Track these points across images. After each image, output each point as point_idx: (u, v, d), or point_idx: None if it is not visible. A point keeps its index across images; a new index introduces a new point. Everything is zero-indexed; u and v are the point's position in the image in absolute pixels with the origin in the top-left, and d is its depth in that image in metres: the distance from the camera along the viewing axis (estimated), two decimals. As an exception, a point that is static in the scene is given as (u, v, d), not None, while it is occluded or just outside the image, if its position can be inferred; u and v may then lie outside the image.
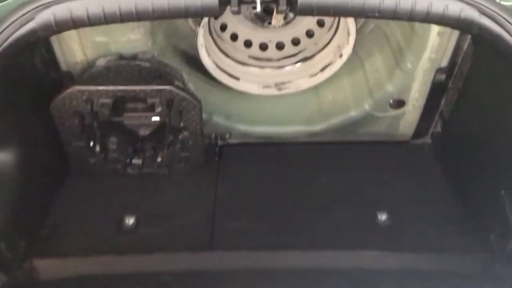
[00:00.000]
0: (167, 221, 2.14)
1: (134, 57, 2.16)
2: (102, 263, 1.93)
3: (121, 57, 2.16)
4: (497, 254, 1.82)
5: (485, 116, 2.09)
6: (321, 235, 2.06)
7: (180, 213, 2.19)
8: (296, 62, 2.45)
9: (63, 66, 2.18)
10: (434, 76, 2.26)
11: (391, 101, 2.42)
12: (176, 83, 2.10)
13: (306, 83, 2.44)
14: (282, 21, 2.27)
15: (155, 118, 2.18)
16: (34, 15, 1.51)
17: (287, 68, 2.46)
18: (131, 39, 2.12)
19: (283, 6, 1.57)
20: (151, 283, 1.78)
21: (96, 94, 2.04)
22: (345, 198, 2.28)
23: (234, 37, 2.41)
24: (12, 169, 1.92)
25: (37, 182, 2.10)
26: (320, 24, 2.39)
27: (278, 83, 2.45)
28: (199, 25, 2.15)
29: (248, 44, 2.43)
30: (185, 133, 2.23)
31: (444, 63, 2.21)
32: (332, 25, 2.37)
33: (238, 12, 1.59)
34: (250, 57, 2.45)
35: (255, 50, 2.44)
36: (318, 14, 1.72)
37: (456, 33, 2.08)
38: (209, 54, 2.31)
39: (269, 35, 2.42)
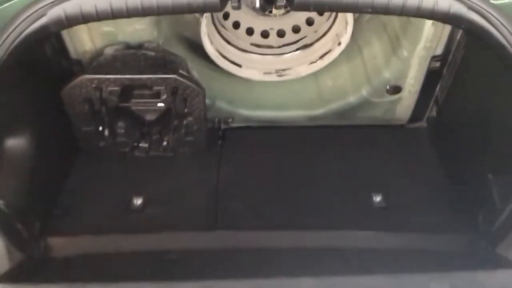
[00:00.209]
0: (172, 202, 2.25)
1: (140, 46, 2.25)
2: (111, 241, 2.03)
3: (128, 46, 2.25)
4: (484, 234, 1.92)
5: (476, 102, 2.19)
6: (318, 215, 2.16)
7: (184, 194, 2.29)
8: (296, 50, 2.53)
9: (73, 54, 2.27)
10: (429, 64, 2.33)
11: (387, 87, 2.50)
12: (181, 71, 2.20)
13: (305, 70, 2.53)
14: (282, 11, 2.34)
15: (161, 105, 2.28)
16: (46, 11, 1.61)
17: (288, 55, 2.54)
18: (137, 29, 2.20)
19: (281, 2, 1.66)
20: (157, 261, 1.88)
21: (104, 82, 2.14)
22: (343, 180, 2.37)
23: (236, 25, 2.49)
24: (26, 152, 2.04)
25: (50, 164, 2.22)
26: (320, 12, 2.46)
27: (279, 69, 2.54)
28: (202, 14, 2.23)
29: (250, 32, 2.51)
30: (190, 119, 2.33)
31: (439, 51, 2.28)
32: (331, 14, 2.44)
33: (238, 8, 1.68)
34: (252, 44, 2.52)
35: (256, 37, 2.52)
36: (314, 10, 1.82)
37: (449, 24, 2.16)
38: (212, 42, 2.39)
39: (270, 23, 2.50)
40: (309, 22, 2.49)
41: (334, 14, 2.43)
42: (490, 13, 1.62)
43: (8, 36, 1.60)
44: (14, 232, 1.79)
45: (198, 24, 2.29)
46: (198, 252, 1.94)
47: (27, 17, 1.61)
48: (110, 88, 2.17)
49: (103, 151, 2.40)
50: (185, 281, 1.60)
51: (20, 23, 1.61)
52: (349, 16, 2.30)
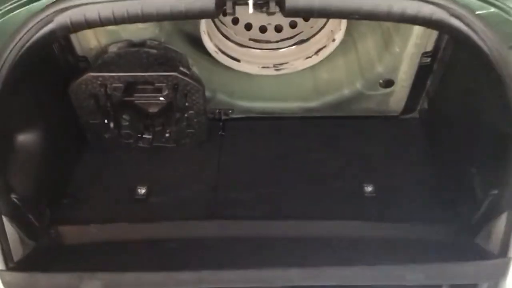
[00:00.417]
0: (174, 191, 2.37)
1: (143, 43, 2.35)
2: (117, 230, 2.16)
3: (131, 43, 2.35)
4: (465, 225, 2.03)
5: (463, 97, 2.28)
6: (311, 205, 2.28)
7: (186, 183, 2.42)
8: (293, 45, 2.62)
9: (79, 51, 2.39)
10: (420, 59, 2.42)
11: (381, 81, 2.60)
12: (181, 68, 2.30)
13: (301, 64, 2.63)
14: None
15: (163, 99, 2.40)
16: (53, 17, 1.72)
17: (285, 50, 2.63)
18: (140, 27, 2.30)
19: (273, 9, 1.76)
20: (159, 249, 2.01)
21: (109, 79, 2.26)
22: (337, 170, 2.48)
23: (235, 21, 2.59)
24: (36, 146, 2.16)
25: (58, 155, 2.35)
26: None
27: (276, 64, 2.64)
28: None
29: (248, 27, 2.60)
30: (190, 112, 2.44)
31: (429, 48, 2.37)
32: (326, 12, 2.54)
33: (233, 14, 1.79)
34: (250, 39, 2.62)
35: (255, 32, 2.61)
36: (304, 16, 1.92)
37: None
38: (211, 39, 2.49)
39: (268, 19, 2.58)
40: (306, 17, 2.58)
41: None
42: (471, 19, 1.71)
43: (18, 41, 1.71)
44: (26, 222, 1.91)
45: (198, 21, 2.39)
46: (197, 240, 2.06)
47: (36, 23, 1.71)
48: (114, 85, 2.29)
49: (109, 142, 2.52)
50: (180, 271, 1.73)
51: (29, 29, 1.71)
52: (343, 14, 2.39)
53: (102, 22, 1.76)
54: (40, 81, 2.20)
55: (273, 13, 1.76)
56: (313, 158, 2.56)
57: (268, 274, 1.72)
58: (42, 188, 2.14)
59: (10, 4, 1.78)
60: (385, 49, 2.50)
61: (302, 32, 2.60)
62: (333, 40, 2.51)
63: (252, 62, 2.63)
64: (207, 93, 2.54)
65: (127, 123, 2.44)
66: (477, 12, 1.74)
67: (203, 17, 2.11)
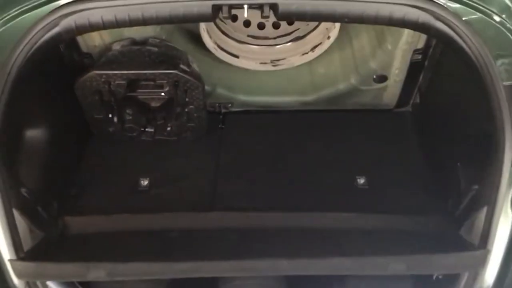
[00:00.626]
0: (175, 183, 2.47)
1: (144, 41, 2.46)
2: (120, 220, 2.26)
3: (133, 41, 2.46)
4: (451, 217, 2.14)
5: (451, 94, 2.38)
6: (306, 197, 2.36)
7: (187, 175, 2.52)
8: (290, 41, 2.71)
9: (84, 48, 2.49)
10: (412, 56, 2.51)
11: (374, 76, 2.70)
12: (181, 66, 2.40)
13: (298, 60, 2.72)
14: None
15: (164, 94, 2.50)
16: (58, 21, 1.82)
17: (282, 46, 2.72)
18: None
19: (266, 13, 1.85)
20: (160, 239, 2.12)
21: (112, 77, 2.37)
22: (331, 162, 2.57)
23: (234, 18, 2.67)
24: (44, 141, 2.27)
25: (65, 149, 2.46)
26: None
27: (274, 59, 2.73)
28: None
29: (247, 24, 2.69)
30: (190, 107, 2.54)
31: (420, 45, 2.46)
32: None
33: (229, 18, 1.88)
34: (249, 36, 2.71)
35: (253, 29, 2.70)
36: (297, 19, 2.01)
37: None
38: (210, 37, 2.58)
39: (266, 16, 2.68)
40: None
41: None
42: (455, 23, 1.79)
43: (27, 43, 1.81)
44: (35, 214, 2.03)
45: (198, 19, 2.48)
46: (197, 231, 2.17)
47: (43, 27, 1.81)
48: (117, 82, 2.39)
49: (112, 136, 2.63)
50: (178, 261, 1.85)
51: (37, 32, 1.82)
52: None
53: (105, 26, 1.86)
54: (47, 77, 2.30)
55: (267, 17, 1.85)
56: (309, 150, 2.66)
57: (260, 264, 1.84)
58: (49, 181, 2.24)
59: (18, 9, 1.85)
60: (378, 46, 2.59)
61: (298, 29, 2.68)
62: (328, 37, 2.60)
63: (251, 58, 2.72)
64: (207, 88, 2.64)
65: (130, 118, 2.55)
66: (464, 18, 1.82)
67: (200, 21, 2.21)
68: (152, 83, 2.46)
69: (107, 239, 2.16)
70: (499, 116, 1.76)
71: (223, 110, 2.86)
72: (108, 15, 1.83)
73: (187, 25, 2.62)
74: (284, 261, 1.82)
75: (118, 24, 1.86)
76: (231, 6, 1.83)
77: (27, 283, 1.90)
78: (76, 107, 2.52)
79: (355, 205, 2.32)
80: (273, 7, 1.81)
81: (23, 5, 1.87)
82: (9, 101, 1.81)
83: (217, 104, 2.84)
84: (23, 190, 1.97)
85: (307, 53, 2.69)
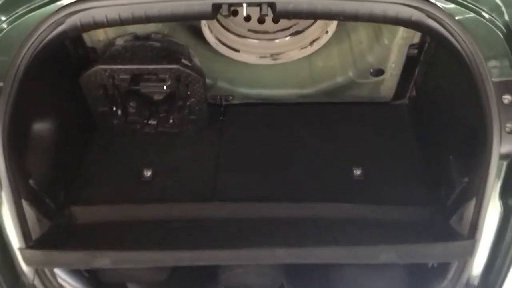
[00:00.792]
0: (177, 174, 2.54)
1: (147, 36, 2.53)
2: (124, 210, 2.34)
3: (136, 36, 2.53)
4: (442, 208, 2.21)
5: (445, 89, 2.44)
6: (304, 188, 2.43)
7: (189, 167, 2.59)
8: (289, 35, 2.77)
9: (88, 43, 2.56)
10: (408, 51, 2.57)
11: (371, 70, 2.77)
12: (183, 60, 2.47)
13: (297, 54, 2.79)
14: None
15: (166, 88, 2.57)
16: (64, 19, 1.90)
17: (281, 40, 2.78)
18: None
19: (265, 11, 1.92)
20: (163, 228, 2.19)
21: (116, 71, 2.44)
22: (329, 153, 2.63)
23: (235, 12, 2.73)
24: (51, 134, 2.34)
25: (70, 142, 2.53)
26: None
27: (273, 53, 2.80)
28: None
29: (247, 18, 2.75)
30: (192, 100, 2.61)
31: (416, 40, 2.52)
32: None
33: (229, 16, 1.95)
34: (249, 30, 2.77)
35: (253, 23, 2.76)
36: (294, 18, 2.07)
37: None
38: (211, 31, 2.65)
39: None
40: None
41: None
42: (446, 21, 1.86)
43: (34, 40, 1.89)
44: (42, 204, 2.11)
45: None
46: (198, 221, 2.24)
47: (49, 25, 1.89)
48: (121, 76, 2.46)
49: (116, 128, 2.71)
50: (179, 250, 1.93)
51: (43, 30, 1.89)
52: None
53: (109, 24, 1.94)
54: (52, 72, 2.36)
55: (265, 15, 1.92)
56: (308, 142, 2.72)
57: (257, 253, 1.92)
58: (56, 172, 2.33)
59: (25, 8, 1.93)
60: (375, 41, 2.66)
61: (297, 23, 2.74)
62: (326, 32, 2.66)
63: (251, 52, 2.79)
64: (209, 81, 2.72)
65: (133, 110, 2.64)
66: (457, 17, 1.89)
67: (201, 19, 2.28)
68: (154, 77, 2.53)
69: (111, 228, 2.24)
70: (488, 111, 1.82)
71: (224, 103, 2.93)
72: (112, 14, 1.90)
73: (188, 21, 2.68)
74: (282, 250, 1.90)
75: (122, 22, 1.93)
76: (230, 5, 1.91)
77: (36, 271, 1.99)
78: (81, 101, 2.59)
79: (351, 196, 2.38)
80: (271, 5, 1.88)
81: (30, 3, 1.95)
82: (18, 96, 1.88)
83: (218, 97, 2.92)
84: (31, 182, 2.04)
85: (306, 47, 2.76)
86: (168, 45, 2.53)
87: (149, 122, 2.72)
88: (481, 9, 1.91)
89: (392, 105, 2.94)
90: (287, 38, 2.77)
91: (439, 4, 1.87)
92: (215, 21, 2.69)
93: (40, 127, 2.29)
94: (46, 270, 2.01)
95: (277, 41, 2.79)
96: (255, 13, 2.72)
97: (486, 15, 1.91)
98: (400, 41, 2.52)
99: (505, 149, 1.84)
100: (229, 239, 2.07)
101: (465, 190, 2.00)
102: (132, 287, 2.59)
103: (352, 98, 2.94)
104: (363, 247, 1.92)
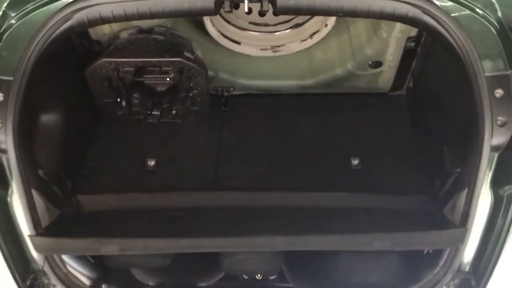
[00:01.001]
0: (180, 164, 2.61)
1: (151, 30, 2.59)
2: (129, 198, 2.42)
3: (140, 30, 2.59)
4: (437, 197, 2.29)
5: (440, 81, 2.51)
6: (303, 177, 2.50)
7: (191, 156, 2.66)
8: (289, 28, 2.83)
9: (93, 36, 2.62)
10: (405, 44, 2.63)
11: (370, 62, 2.84)
12: (186, 53, 2.53)
13: (297, 46, 2.85)
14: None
15: (169, 80, 2.64)
16: (71, 15, 1.97)
17: (282, 33, 2.84)
18: None
19: (266, 8, 1.98)
20: (166, 216, 2.28)
21: (121, 64, 2.51)
22: (328, 143, 2.70)
23: (236, 5, 2.78)
24: (58, 124, 2.41)
25: (77, 132, 2.61)
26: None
27: (274, 46, 2.86)
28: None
29: (248, 11, 2.80)
30: (194, 92, 2.68)
31: (413, 33, 2.57)
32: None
33: (230, 12, 2.01)
34: (250, 23, 2.83)
35: (254, 16, 2.82)
36: (294, 14, 2.14)
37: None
38: (213, 24, 2.71)
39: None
40: None
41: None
42: (441, 17, 1.92)
43: (43, 36, 1.96)
44: (51, 193, 2.19)
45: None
46: (200, 209, 2.32)
47: (57, 21, 1.96)
48: (125, 69, 2.53)
49: (121, 119, 2.78)
50: (182, 238, 2.02)
51: (51, 26, 1.96)
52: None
53: (115, 19, 2.01)
54: (59, 65, 2.43)
55: (266, 11, 1.98)
56: (307, 132, 2.80)
57: (257, 241, 2.00)
58: (63, 162, 2.40)
59: (33, 4, 2.00)
60: (374, 34, 2.72)
61: (298, 16, 2.80)
62: (326, 25, 2.72)
63: (252, 44, 2.85)
64: (211, 73, 2.78)
65: (137, 101, 2.70)
66: (453, 14, 1.95)
67: (204, 15, 2.34)
68: (158, 69, 2.59)
69: (117, 216, 2.32)
70: (480, 105, 1.89)
71: (225, 94, 3.00)
72: (118, 10, 1.97)
73: (191, 13, 2.74)
74: (281, 238, 1.98)
75: (127, 18, 2.00)
76: (232, 1, 1.97)
77: (45, 257, 2.07)
78: (86, 92, 2.66)
79: (348, 185, 2.46)
80: (272, 1, 1.94)
81: (38, 0, 2.01)
82: (27, 90, 1.95)
83: (219, 88, 2.99)
84: (40, 172, 2.12)
85: (305, 39, 2.82)
86: (171, 38, 2.59)
87: (153, 112, 2.78)
88: (475, 6, 1.97)
89: (390, 96, 3.00)
90: (288, 31, 2.83)
91: (437, 2, 1.93)
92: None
93: (48, 119, 2.37)
94: (55, 257, 2.09)
95: (277, 33, 2.85)
96: (256, 5, 2.78)
97: (480, 12, 1.97)
98: (398, 34, 2.58)
99: (496, 141, 1.91)
100: (230, 227, 2.15)
101: (458, 180, 2.08)
102: (135, 271, 2.70)
103: (351, 89, 3.00)
104: (359, 235, 2.00)
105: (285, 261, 2.47)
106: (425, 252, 2.25)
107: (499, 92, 1.91)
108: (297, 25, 2.82)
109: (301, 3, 1.94)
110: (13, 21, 2.01)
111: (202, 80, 2.61)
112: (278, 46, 2.86)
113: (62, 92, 2.50)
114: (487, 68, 1.93)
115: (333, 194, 2.39)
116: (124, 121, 2.79)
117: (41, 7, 2.01)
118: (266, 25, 2.85)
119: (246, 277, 2.80)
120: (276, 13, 1.99)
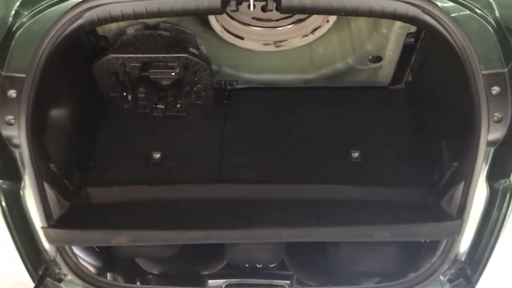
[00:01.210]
0: (184, 157, 2.68)
1: (156, 26, 2.64)
2: (136, 191, 2.49)
3: (146, 26, 2.65)
4: (434, 190, 2.36)
5: (439, 76, 2.57)
6: (305, 170, 2.58)
7: (195, 149, 2.73)
8: (291, 24, 2.88)
9: (100, 32, 2.67)
10: (405, 39, 2.70)
11: (370, 57, 2.90)
12: (191, 49, 2.59)
13: (299, 42, 2.90)
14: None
15: (174, 74, 2.70)
16: (82, 14, 2.03)
17: (284, 28, 2.90)
18: None
19: (271, 7, 2.04)
20: (170, 209, 2.35)
21: (127, 60, 2.57)
22: (329, 136, 2.77)
23: (240, 1, 2.84)
24: (67, 119, 2.49)
25: (84, 125, 2.68)
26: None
27: (276, 41, 2.91)
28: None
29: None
30: (199, 86, 2.74)
31: (413, 29, 2.64)
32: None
33: (236, 11, 2.07)
34: (253, 18, 2.88)
35: (257, 11, 2.86)
36: (297, 13, 2.19)
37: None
38: (217, 20, 2.77)
39: (270, -2, 2.86)
40: None
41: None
42: (440, 16, 1.99)
43: (54, 34, 2.01)
44: (62, 186, 2.25)
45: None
46: (204, 201, 2.40)
47: (68, 19, 2.02)
48: (132, 64, 2.60)
49: (127, 112, 2.84)
50: (190, 229, 2.09)
51: (63, 24, 2.02)
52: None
53: (124, 18, 2.08)
54: (68, 61, 2.48)
55: (270, 11, 2.04)
56: (309, 125, 2.86)
57: (264, 232, 2.08)
58: (72, 155, 2.47)
59: (45, 3, 2.06)
60: (374, 29, 2.78)
61: (300, 12, 2.86)
62: (327, 21, 2.78)
63: (255, 39, 2.91)
64: (214, 67, 2.85)
65: (143, 95, 2.76)
66: (453, 15, 2.02)
67: (210, 14, 2.40)
68: (163, 64, 2.66)
69: (124, 207, 2.40)
70: (477, 101, 1.96)
71: (228, 87, 3.06)
72: (127, 9, 2.04)
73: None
74: (287, 229, 2.05)
75: (136, 16, 2.07)
76: (238, 1, 2.03)
77: (57, 248, 2.14)
78: (93, 87, 2.72)
79: (349, 178, 2.54)
80: (277, 1, 2.00)
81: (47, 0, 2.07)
82: (39, 87, 2.01)
83: (223, 82, 3.05)
84: (51, 165, 2.19)
85: (307, 35, 2.88)
86: (176, 34, 2.65)
87: (158, 106, 2.84)
88: (474, 6, 2.04)
89: (390, 90, 3.07)
90: (290, 26, 2.89)
91: (438, 3, 2.00)
92: (221, 10, 2.80)
93: (58, 113, 2.43)
94: (67, 247, 2.15)
95: (280, 29, 2.90)
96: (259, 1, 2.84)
97: (479, 11, 2.04)
98: (398, 30, 2.64)
99: (492, 136, 1.98)
100: (234, 219, 2.22)
101: (455, 174, 2.15)
102: (139, 260, 2.78)
103: (351, 83, 3.07)
104: (360, 227, 2.08)
105: (286, 251, 2.55)
106: (422, 242, 2.33)
107: (495, 89, 1.98)
108: (299, 21, 2.87)
109: (305, 3, 2.00)
110: (25, 20, 2.07)
111: (207, 75, 2.68)
112: (281, 41, 2.92)
113: (70, 87, 2.56)
114: (484, 66, 1.99)
115: (333, 187, 2.46)
116: (130, 114, 2.85)
117: (53, 6, 2.07)
118: (269, 20, 2.90)
119: (247, 265, 2.89)
120: (281, 12, 2.05)
